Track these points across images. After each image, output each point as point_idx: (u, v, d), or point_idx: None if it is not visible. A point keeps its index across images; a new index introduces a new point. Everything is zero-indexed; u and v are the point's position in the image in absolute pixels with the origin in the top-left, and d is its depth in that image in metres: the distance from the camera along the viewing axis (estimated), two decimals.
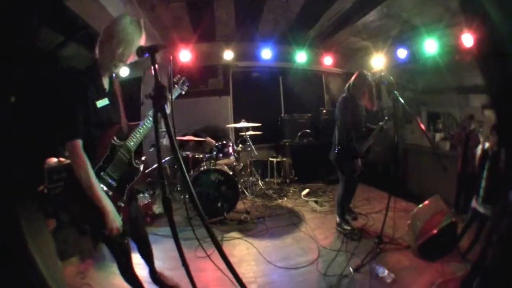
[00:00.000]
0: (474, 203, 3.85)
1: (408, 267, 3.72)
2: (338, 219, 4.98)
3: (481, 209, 3.72)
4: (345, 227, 4.86)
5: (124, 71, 7.52)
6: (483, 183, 3.73)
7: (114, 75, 2.63)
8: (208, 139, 6.68)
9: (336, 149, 4.75)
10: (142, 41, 2.45)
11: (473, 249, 3.69)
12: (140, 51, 2.10)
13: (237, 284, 2.13)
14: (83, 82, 2.33)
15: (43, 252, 2.00)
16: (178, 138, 6.15)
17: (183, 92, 3.35)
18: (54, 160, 5.12)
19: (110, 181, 2.50)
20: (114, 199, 2.46)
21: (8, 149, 1.89)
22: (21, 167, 2.05)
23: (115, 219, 2.39)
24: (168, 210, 2.10)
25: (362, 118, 4.81)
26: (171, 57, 2.77)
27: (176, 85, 3.35)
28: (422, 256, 3.85)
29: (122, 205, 2.56)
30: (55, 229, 4.82)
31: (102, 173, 2.44)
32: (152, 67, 1.98)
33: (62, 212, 4.91)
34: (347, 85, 4.81)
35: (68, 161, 4.79)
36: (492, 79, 2.05)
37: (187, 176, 2.05)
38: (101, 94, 2.47)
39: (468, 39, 5.11)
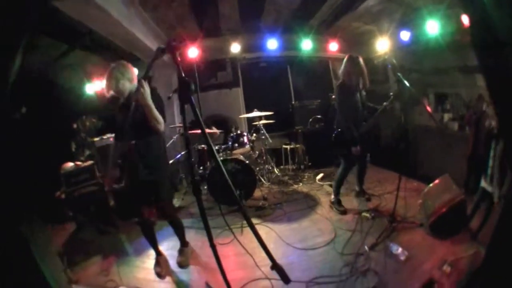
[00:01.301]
0: (483, 182, 3.89)
1: (420, 245, 3.85)
2: (332, 197, 5.23)
3: (489, 188, 3.75)
4: (338, 208, 5.11)
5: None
6: (490, 162, 3.76)
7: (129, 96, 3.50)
8: (213, 128, 6.89)
9: (335, 132, 4.98)
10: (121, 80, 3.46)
11: (484, 229, 3.74)
12: (160, 51, 2.25)
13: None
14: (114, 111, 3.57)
15: (43, 252, 2.08)
16: (190, 132, 6.24)
17: None
18: (70, 164, 5.26)
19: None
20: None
21: (11, 153, 1.99)
22: (25, 171, 2.18)
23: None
24: (197, 191, 2.26)
25: (359, 103, 4.93)
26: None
27: None
28: (434, 234, 3.97)
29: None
30: (76, 231, 5.02)
31: None
32: (175, 64, 2.12)
33: (81, 214, 5.10)
34: (341, 71, 4.95)
35: (84, 164, 5.04)
36: (488, 69, 2.09)
37: (221, 164, 2.22)
38: (120, 114, 3.47)
39: (467, 20, 5.16)
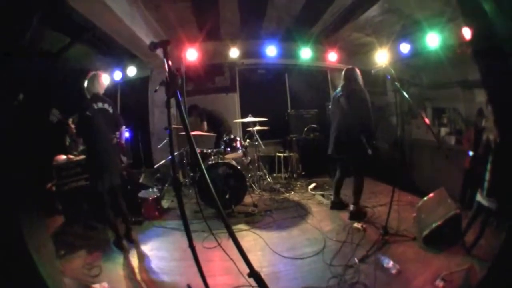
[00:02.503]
0: (478, 196, 3.76)
1: (413, 259, 3.73)
2: (356, 207, 5.09)
3: (485, 203, 3.62)
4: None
5: (131, 71, 7.82)
6: (487, 176, 3.64)
7: None
8: (204, 124, 7.15)
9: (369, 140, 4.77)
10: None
11: (478, 244, 3.64)
12: (153, 46, 2.26)
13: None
14: None
15: (41, 252, 2.01)
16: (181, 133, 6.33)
17: None
18: (63, 157, 5.24)
19: None
20: None
21: (9, 150, 1.93)
22: (22, 167, 2.11)
23: None
24: (178, 190, 2.32)
25: None
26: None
27: None
28: (428, 247, 3.86)
29: None
30: (64, 225, 4.98)
31: None
32: (164, 59, 2.18)
33: (71, 208, 5.07)
34: (360, 80, 4.99)
35: (77, 158, 4.99)
36: (488, 75, 2.05)
37: (203, 167, 2.22)
38: None
39: (468, 33, 5.13)
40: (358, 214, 5.04)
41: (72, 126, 4.50)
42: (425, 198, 4.36)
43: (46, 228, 3.84)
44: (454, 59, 5.69)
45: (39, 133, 4.91)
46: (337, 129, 5.08)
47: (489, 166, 3.64)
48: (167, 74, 2.15)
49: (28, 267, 1.86)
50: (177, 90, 2.13)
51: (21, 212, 1.93)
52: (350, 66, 5.15)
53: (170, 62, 2.18)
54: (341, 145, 5.04)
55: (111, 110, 4.47)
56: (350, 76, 5.02)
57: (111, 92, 5.41)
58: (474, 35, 2.10)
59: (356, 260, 3.72)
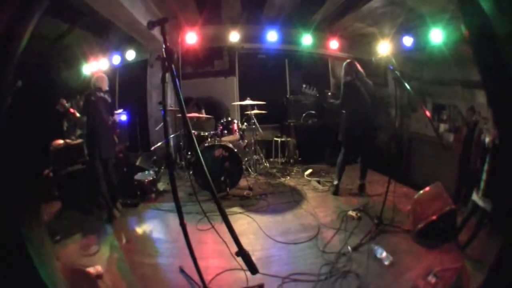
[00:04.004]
0: (474, 196, 3.74)
1: (406, 251, 3.72)
2: (364, 181, 5.61)
3: (480, 203, 3.61)
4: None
5: (130, 55, 7.82)
6: (484, 176, 3.62)
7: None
8: (202, 111, 7.17)
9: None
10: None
11: (472, 243, 3.62)
12: (151, 24, 2.30)
13: (235, 256, 2.19)
14: None
15: (40, 252, 1.99)
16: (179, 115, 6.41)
17: None
18: (60, 142, 5.31)
19: None
20: None
21: (6, 146, 1.90)
22: (20, 165, 2.08)
23: None
24: (171, 166, 2.50)
25: None
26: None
27: None
28: (421, 241, 3.84)
29: None
30: (60, 210, 5.05)
31: None
32: (162, 36, 2.24)
33: (67, 193, 5.09)
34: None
35: (74, 142, 5.36)
36: (488, 76, 2.02)
37: (196, 145, 2.21)
38: None
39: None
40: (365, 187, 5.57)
41: (73, 111, 5.07)
42: (421, 191, 4.32)
43: (44, 228, 3.82)
44: (458, 57, 5.62)
45: (39, 120, 4.93)
46: (360, 116, 5.22)
47: (486, 167, 3.62)
48: (163, 49, 2.20)
49: (27, 268, 1.84)
50: (173, 65, 2.17)
51: (20, 212, 1.90)
52: (350, 60, 5.40)
53: (167, 39, 2.23)
54: (361, 131, 5.25)
55: (109, 100, 5.25)
56: (358, 69, 5.30)
57: (110, 77, 5.53)
58: (472, 34, 2.08)
59: (349, 248, 3.73)
